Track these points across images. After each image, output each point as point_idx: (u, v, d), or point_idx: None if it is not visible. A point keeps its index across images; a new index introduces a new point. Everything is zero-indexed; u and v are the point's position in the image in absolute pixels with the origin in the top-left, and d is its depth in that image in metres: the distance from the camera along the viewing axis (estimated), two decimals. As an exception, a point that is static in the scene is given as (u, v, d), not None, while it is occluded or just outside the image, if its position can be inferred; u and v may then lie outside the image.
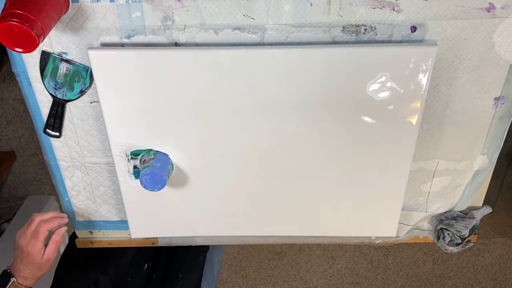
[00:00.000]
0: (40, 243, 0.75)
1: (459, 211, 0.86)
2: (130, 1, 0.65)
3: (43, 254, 0.76)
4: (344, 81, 0.67)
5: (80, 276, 0.93)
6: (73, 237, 0.97)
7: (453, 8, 0.65)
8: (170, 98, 0.69)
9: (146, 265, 1.00)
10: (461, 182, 0.83)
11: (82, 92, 0.73)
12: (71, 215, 0.89)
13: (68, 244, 1.00)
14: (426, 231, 0.91)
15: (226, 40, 0.68)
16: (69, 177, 0.83)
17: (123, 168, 0.77)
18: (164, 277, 1.01)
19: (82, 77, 0.71)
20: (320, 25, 0.67)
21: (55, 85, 0.72)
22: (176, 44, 0.68)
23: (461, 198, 0.85)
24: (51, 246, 0.77)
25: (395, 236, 0.86)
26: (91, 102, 0.74)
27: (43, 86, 0.72)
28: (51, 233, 0.77)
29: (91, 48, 0.67)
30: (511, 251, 1.95)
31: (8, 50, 0.60)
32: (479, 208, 0.86)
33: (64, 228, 0.78)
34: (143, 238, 0.91)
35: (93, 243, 0.93)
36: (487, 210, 0.85)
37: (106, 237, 0.92)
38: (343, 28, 0.67)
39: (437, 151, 0.79)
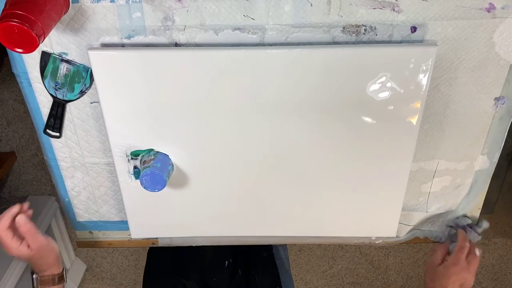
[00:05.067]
0: (12, 243, 0.69)
1: (467, 216, 0.85)
2: (130, 2, 0.65)
3: (29, 247, 0.71)
4: (344, 81, 0.67)
5: (166, 285, 0.93)
6: (151, 249, 1.01)
7: (453, 8, 0.65)
8: (170, 98, 0.69)
9: (227, 262, 0.99)
10: (462, 182, 0.83)
11: (82, 93, 0.73)
12: (72, 215, 0.89)
13: (146, 260, 1.02)
14: (427, 231, 0.91)
15: (226, 41, 0.68)
16: (70, 177, 0.83)
17: (123, 168, 0.77)
18: (246, 272, 1.00)
19: (82, 78, 0.71)
20: (320, 25, 0.67)
21: (55, 85, 0.72)
22: (176, 45, 0.68)
23: (463, 200, 0.85)
24: (28, 237, 0.71)
25: (395, 236, 0.86)
26: (91, 103, 0.74)
27: (43, 86, 0.72)
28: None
29: (91, 48, 0.67)
30: (511, 252, 1.95)
31: (8, 50, 0.61)
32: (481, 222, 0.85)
33: (20, 216, 0.71)
34: (143, 239, 0.91)
35: (93, 243, 0.93)
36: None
37: (106, 238, 0.92)
38: (343, 28, 0.67)
39: (437, 151, 0.79)
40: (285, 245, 1.12)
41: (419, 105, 0.69)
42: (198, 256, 0.97)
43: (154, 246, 0.92)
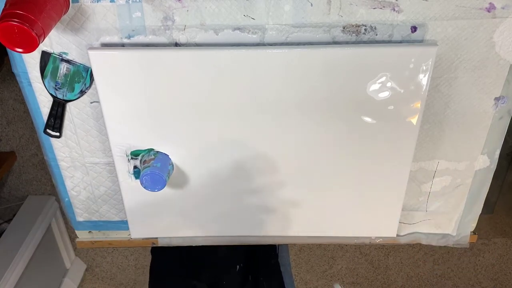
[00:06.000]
0: None
1: None
2: (130, 1, 0.65)
3: None
4: (344, 81, 0.67)
5: (176, 285, 0.93)
6: (154, 249, 1.00)
7: (453, 8, 0.65)
8: (170, 98, 0.69)
9: (238, 266, 0.99)
10: (462, 182, 0.83)
11: (82, 92, 0.73)
12: (71, 215, 0.89)
13: (152, 257, 1.01)
14: (431, 234, 0.91)
15: (226, 40, 0.68)
16: (70, 177, 0.83)
17: (123, 168, 0.77)
18: (255, 278, 1.00)
19: (82, 77, 0.71)
20: (320, 25, 0.67)
21: (55, 85, 0.72)
22: (176, 44, 0.68)
23: (466, 201, 0.85)
24: None
25: (395, 236, 0.86)
26: (91, 102, 0.74)
27: (43, 86, 0.72)
28: None
29: (91, 48, 0.67)
30: (511, 251, 1.95)
31: (8, 50, 0.61)
32: None
33: None
34: (143, 239, 0.91)
35: (93, 243, 0.93)
36: None
37: (106, 237, 0.92)
38: (343, 28, 0.67)
39: (438, 151, 0.79)
40: (287, 249, 1.12)
41: (419, 105, 0.69)
42: (210, 256, 0.97)
43: (154, 245, 0.92)
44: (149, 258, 1.95)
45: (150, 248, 1.05)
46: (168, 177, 0.73)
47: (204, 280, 0.95)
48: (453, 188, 0.83)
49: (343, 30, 0.67)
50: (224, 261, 0.98)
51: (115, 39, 0.68)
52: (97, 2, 0.64)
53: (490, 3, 0.64)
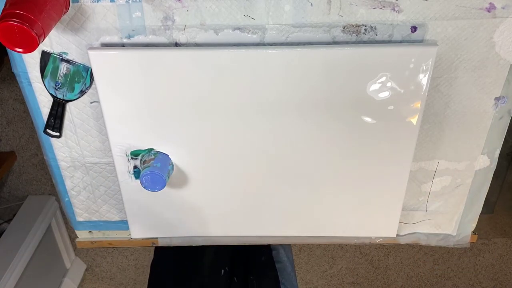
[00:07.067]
0: None
1: None
2: (130, 1, 0.65)
3: None
4: (344, 81, 0.67)
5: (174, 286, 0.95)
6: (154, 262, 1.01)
7: (453, 8, 0.65)
8: (170, 98, 0.69)
9: (223, 270, 1.00)
10: (462, 182, 0.83)
11: (82, 92, 0.73)
12: (71, 215, 0.89)
13: (153, 260, 1.02)
14: (431, 234, 0.91)
15: (226, 40, 0.68)
16: (69, 177, 0.83)
17: (123, 168, 0.77)
18: (244, 278, 1.01)
19: (82, 77, 0.71)
20: (320, 25, 0.67)
21: (55, 85, 0.72)
22: (176, 44, 0.68)
23: (466, 201, 0.85)
24: None
25: (395, 236, 0.86)
26: (91, 102, 0.74)
27: (43, 86, 0.72)
28: None
29: (91, 48, 0.67)
30: (511, 251, 1.95)
31: (8, 50, 0.61)
32: None
33: None
34: (143, 239, 0.91)
35: (93, 243, 0.93)
36: None
37: (106, 237, 0.92)
38: (343, 28, 0.67)
39: (438, 151, 0.79)
40: (289, 247, 1.12)
41: (419, 105, 0.69)
42: (198, 265, 0.98)
43: (154, 245, 0.92)
44: (149, 258, 1.95)
45: (150, 248, 1.05)
46: (168, 177, 0.73)
47: (194, 286, 0.95)
48: (453, 188, 0.83)
49: (343, 30, 0.67)
50: (210, 268, 0.99)
51: (115, 39, 0.68)
52: (97, 2, 0.64)
53: (490, 3, 0.64)
